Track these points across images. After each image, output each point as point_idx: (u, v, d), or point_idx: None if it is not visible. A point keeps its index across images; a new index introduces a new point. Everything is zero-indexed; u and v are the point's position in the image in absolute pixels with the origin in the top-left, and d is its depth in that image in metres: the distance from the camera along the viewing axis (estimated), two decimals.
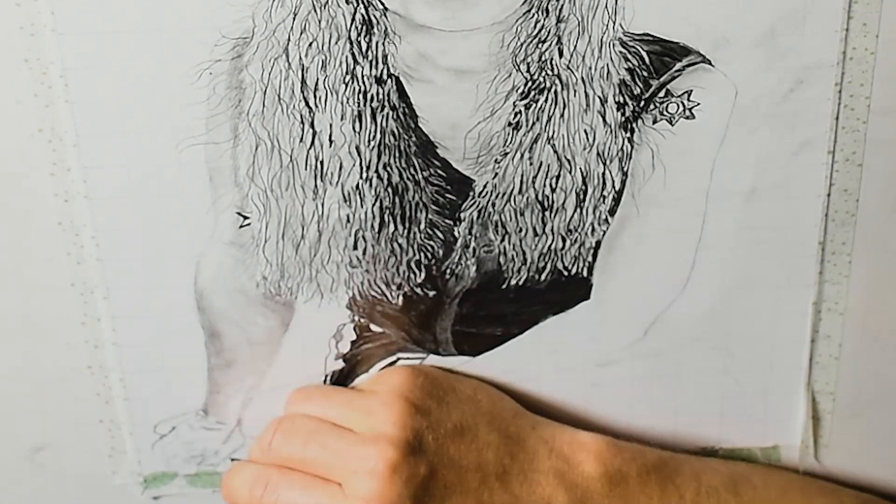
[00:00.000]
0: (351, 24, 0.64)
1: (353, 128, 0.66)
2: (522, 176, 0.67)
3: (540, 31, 0.64)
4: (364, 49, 0.64)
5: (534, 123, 0.66)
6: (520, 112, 0.66)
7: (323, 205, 0.67)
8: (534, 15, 0.64)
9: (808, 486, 0.74)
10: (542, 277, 0.70)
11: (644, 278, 0.70)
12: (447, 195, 0.68)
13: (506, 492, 0.68)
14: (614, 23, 0.64)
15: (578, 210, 0.68)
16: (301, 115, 0.65)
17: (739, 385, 0.74)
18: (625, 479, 0.69)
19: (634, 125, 0.66)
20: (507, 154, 0.67)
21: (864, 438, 0.77)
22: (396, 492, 0.66)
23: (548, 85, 0.65)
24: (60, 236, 0.68)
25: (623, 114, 0.66)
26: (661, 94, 0.66)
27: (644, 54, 0.65)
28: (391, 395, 0.69)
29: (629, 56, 0.65)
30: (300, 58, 0.64)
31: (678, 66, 0.65)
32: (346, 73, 0.65)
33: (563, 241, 0.69)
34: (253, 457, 0.71)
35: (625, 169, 0.67)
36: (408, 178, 0.67)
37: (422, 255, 0.69)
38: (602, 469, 0.69)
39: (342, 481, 0.67)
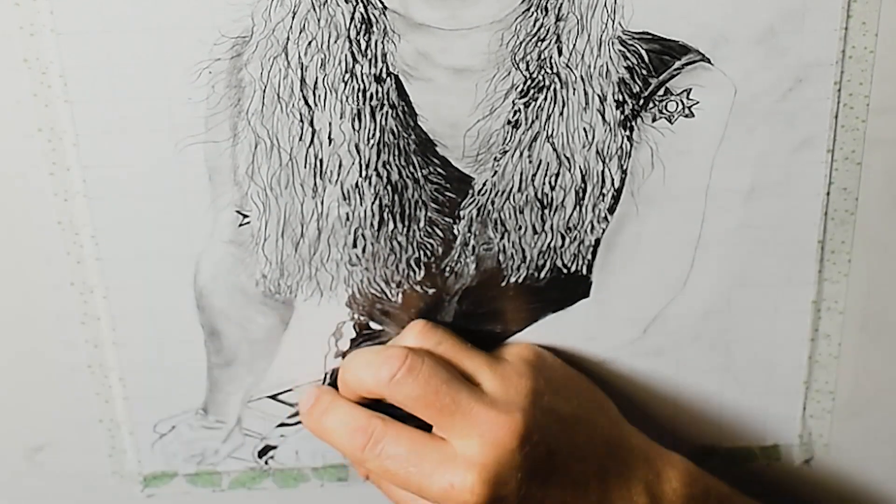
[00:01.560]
0: (350, 23, 0.64)
1: (353, 126, 0.66)
2: (522, 174, 0.67)
3: (539, 29, 0.64)
4: (363, 47, 0.64)
5: (533, 121, 0.66)
6: (519, 110, 0.66)
7: (322, 203, 0.67)
8: (533, 13, 0.64)
9: None
10: (542, 275, 0.70)
11: (643, 276, 0.70)
12: (446, 193, 0.68)
13: (601, 490, 0.67)
14: (613, 21, 0.64)
15: (578, 208, 0.68)
16: (300, 114, 0.65)
17: (739, 384, 0.74)
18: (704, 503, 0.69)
19: (634, 123, 0.66)
20: (506, 152, 0.67)
21: (864, 438, 0.77)
22: (515, 465, 0.64)
23: (547, 83, 0.65)
24: (60, 235, 0.68)
25: (622, 112, 0.66)
26: (661, 92, 0.66)
27: (643, 52, 0.65)
28: (526, 367, 0.67)
29: (628, 54, 0.65)
30: (299, 56, 0.64)
31: (677, 64, 0.65)
32: (346, 72, 0.65)
33: (563, 239, 0.69)
34: (363, 386, 0.67)
35: (624, 167, 0.67)
36: (407, 177, 0.67)
37: (421, 252, 0.69)
38: (687, 490, 0.69)
39: (460, 439, 0.64)
